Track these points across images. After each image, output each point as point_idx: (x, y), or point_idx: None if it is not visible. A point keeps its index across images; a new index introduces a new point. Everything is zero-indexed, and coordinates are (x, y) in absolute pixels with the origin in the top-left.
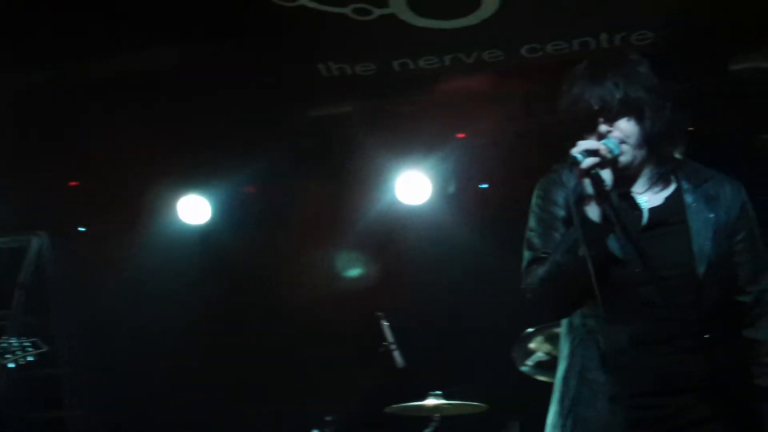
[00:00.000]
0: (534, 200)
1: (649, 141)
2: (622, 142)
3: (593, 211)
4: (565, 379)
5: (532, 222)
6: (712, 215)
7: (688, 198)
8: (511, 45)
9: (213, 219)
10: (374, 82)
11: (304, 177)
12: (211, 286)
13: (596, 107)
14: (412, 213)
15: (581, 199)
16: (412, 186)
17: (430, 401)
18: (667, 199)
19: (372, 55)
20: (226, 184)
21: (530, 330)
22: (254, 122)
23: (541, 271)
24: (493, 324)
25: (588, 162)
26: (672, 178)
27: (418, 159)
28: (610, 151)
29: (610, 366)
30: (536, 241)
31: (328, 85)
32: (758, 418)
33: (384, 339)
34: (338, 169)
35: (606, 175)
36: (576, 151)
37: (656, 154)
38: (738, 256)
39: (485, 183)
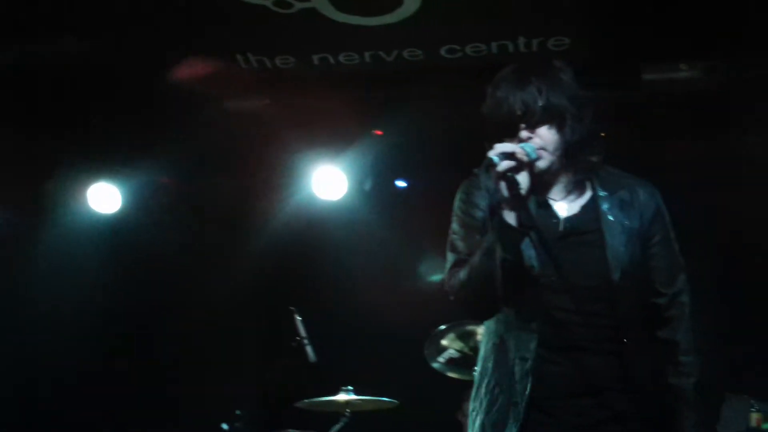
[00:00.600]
0: (456, 203)
1: (567, 149)
2: (541, 148)
3: (509, 216)
4: (479, 383)
5: (454, 225)
6: (626, 222)
7: (604, 205)
8: (430, 45)
9: (124, 208)
10: (293, 76)
11: (220, 169)
12: (120, 276)
13: (519, 112)
14: (328, 208)
15: (498, 204)
16: (329, 181)
17: (341, 396)
18: (583, 207)
19: (291, 49)
20: (139, 173)
21: (442, 327)
22: (170, 110)
23: (462, 274)
24: (405, 320)
25: (504, 165)
26: (588, 185)
27: (335, 154)
28: (527, 155)
29: (517, 371)
30: (459, 244)
31: (246, 76)
32: (671, 416)
33: (297, 333)
34: (254, 161)
35: (522, 179)
36: (493, 153)
37: (573, 163)
38: (653, 260)
39: (402, 181)
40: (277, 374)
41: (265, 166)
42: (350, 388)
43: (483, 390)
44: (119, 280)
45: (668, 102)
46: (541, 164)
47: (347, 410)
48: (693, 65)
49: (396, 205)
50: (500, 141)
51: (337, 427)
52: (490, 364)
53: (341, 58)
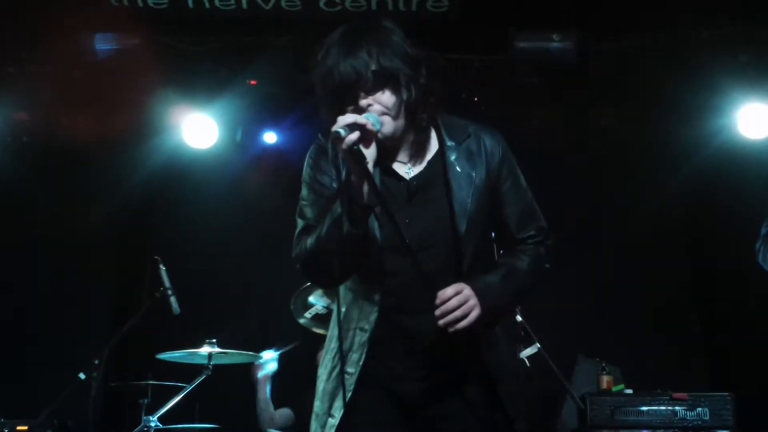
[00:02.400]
0: (305, 169)
1: (407, 111)
2: (383, 114)
3: (357, 189)
4: (326, 350)
5: (304, 191)
6: (473, 173)
7: (451, 156)
8: None
9: None
10: (166, 18)
11: (83, 107)
12: None
13: (351, 80)
14: (198, 156)
15: (346, 178)
16: (199, 129)
17: (205, 349)
18: (430, 162)
19: None
20: None
21: (309, 283)
22: (32, 43)
23: (308, 242)
24: (273, 274)
25: (350, 138)
26: (433, 137)
27: (206, 101)
28: (373, 125)
29: (356, 341)
30: (307, 210)
31: (116, 14)
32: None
33: (161, 284)
34: (120, 103)
35: (370, 150)
36: (337, 126)
37: (415, 123)
38: (505, 206)
39: (273, 132)
40: (139, 324)
41: (131, 108)
42: (214, 340)
43: (327, 357)
44: None
45: (538, 70)
46: (386, 130)
47: (210, 363)
48: (565, 36)
49: (267, 156)
50: (339, 108)
51: (200, 379)
52: (334, 332)
53: (217, 2)
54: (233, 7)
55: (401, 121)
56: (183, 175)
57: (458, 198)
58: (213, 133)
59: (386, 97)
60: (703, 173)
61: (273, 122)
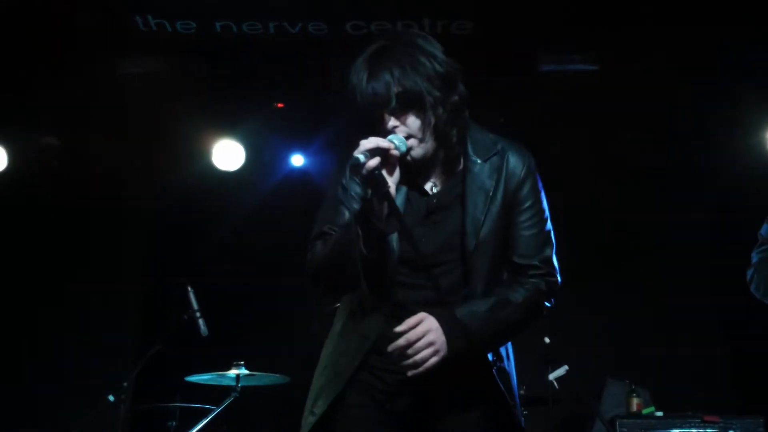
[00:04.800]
0: (343, 170)
1: (435, 132)
2: (411, 136)
3: (377, 213)
4: (326, 345)
5: (332, 189)
6: (491, 190)
7: (474, 169)
8: (335, 19)
9: (9, 167)
10: (194, 42)
11: (110, 133)
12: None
13: (375, 103)
14: (225, 179)
15: (369, 199)
16: (226, 152)
17: (233, 371)
18: (453, 178)
19: (193, 14)
20: (25, 131)
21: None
22: (60, 70)
23: (320, 251)
24: (299, 295)
25: (371, 164)
26: (461, 153)
27: (234, 125)
28: (397, 148)
29: (354, 346)
30: (328, 212)
31: (144, 39)
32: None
33: (189, 306)
34: (148, 127)
35: (393, 174)
36: (358, 151)
37: (445, 142)
38: (518, 228)
39: (300, 155)
40: (167, 347)
41: (159, 131)
42: (242, 363)
43: (326, 351)
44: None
45: (561, 91)
46: (416, 153)
47: (238, 385)
48: (589, 57)
49: (293, 178)
50: (369, 128)
51: (228, 401)
52: (337, 329)
53: (244, 27)
54: (260, 31)
55: (430, 143)
56: (210, 198)
57: (471, 215)
58: (240, 155)
59: (411, 120)
60: (730, 194)
61: (300, 145)
